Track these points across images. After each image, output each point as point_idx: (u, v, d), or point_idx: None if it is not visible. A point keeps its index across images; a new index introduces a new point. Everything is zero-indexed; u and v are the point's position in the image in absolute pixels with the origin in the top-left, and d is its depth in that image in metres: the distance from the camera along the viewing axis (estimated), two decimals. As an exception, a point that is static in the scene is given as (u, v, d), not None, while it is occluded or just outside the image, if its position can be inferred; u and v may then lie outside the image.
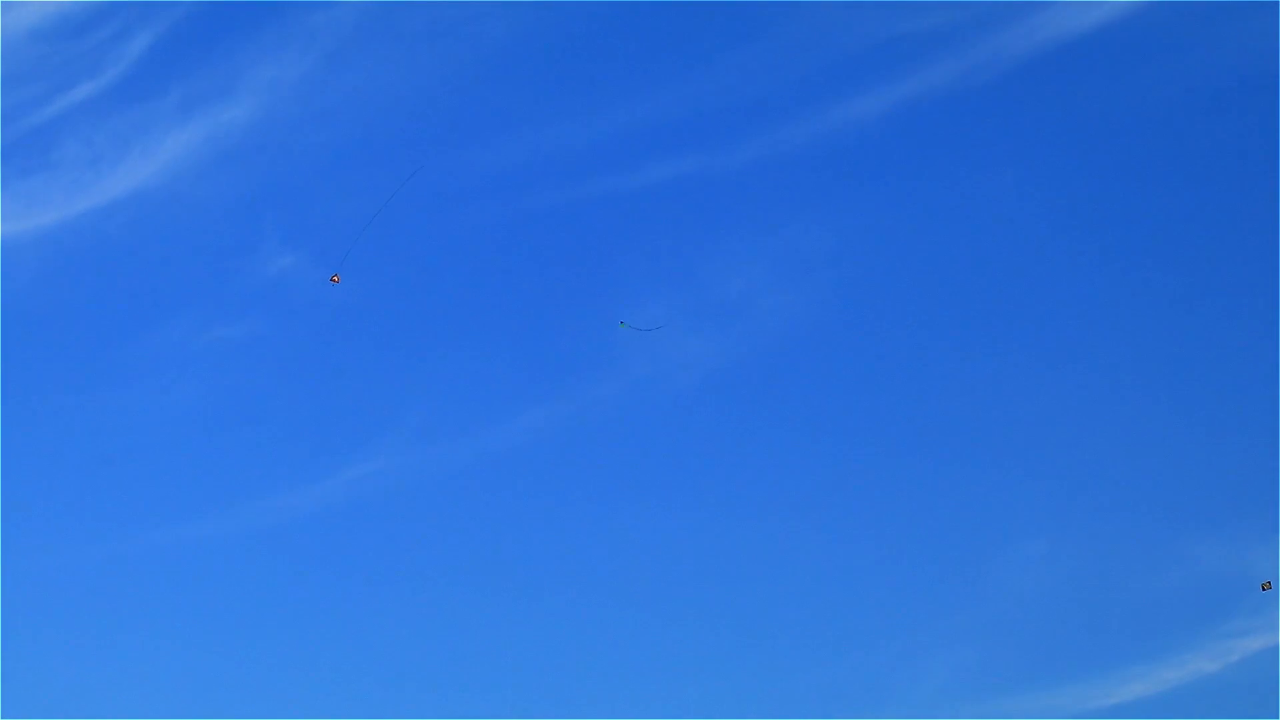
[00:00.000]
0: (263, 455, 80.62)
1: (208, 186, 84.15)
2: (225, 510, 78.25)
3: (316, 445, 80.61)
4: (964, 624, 74.89)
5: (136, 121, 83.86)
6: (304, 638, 76.65)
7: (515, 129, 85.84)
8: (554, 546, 78.90)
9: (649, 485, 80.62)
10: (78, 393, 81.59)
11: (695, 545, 78.38)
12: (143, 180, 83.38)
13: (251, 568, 77.88)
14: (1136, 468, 77.76)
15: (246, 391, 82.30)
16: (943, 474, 79.40)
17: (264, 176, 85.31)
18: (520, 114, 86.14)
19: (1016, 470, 78.69)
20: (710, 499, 79.82)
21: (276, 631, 76.57)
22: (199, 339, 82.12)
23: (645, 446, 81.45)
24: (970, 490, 78.74)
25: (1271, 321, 77.89)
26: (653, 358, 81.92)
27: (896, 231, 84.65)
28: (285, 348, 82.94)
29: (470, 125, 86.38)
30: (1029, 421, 79.64)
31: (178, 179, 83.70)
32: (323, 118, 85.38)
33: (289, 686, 75.18)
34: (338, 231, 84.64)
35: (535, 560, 78.64)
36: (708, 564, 77.89)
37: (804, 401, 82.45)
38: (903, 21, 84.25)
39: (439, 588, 78.07)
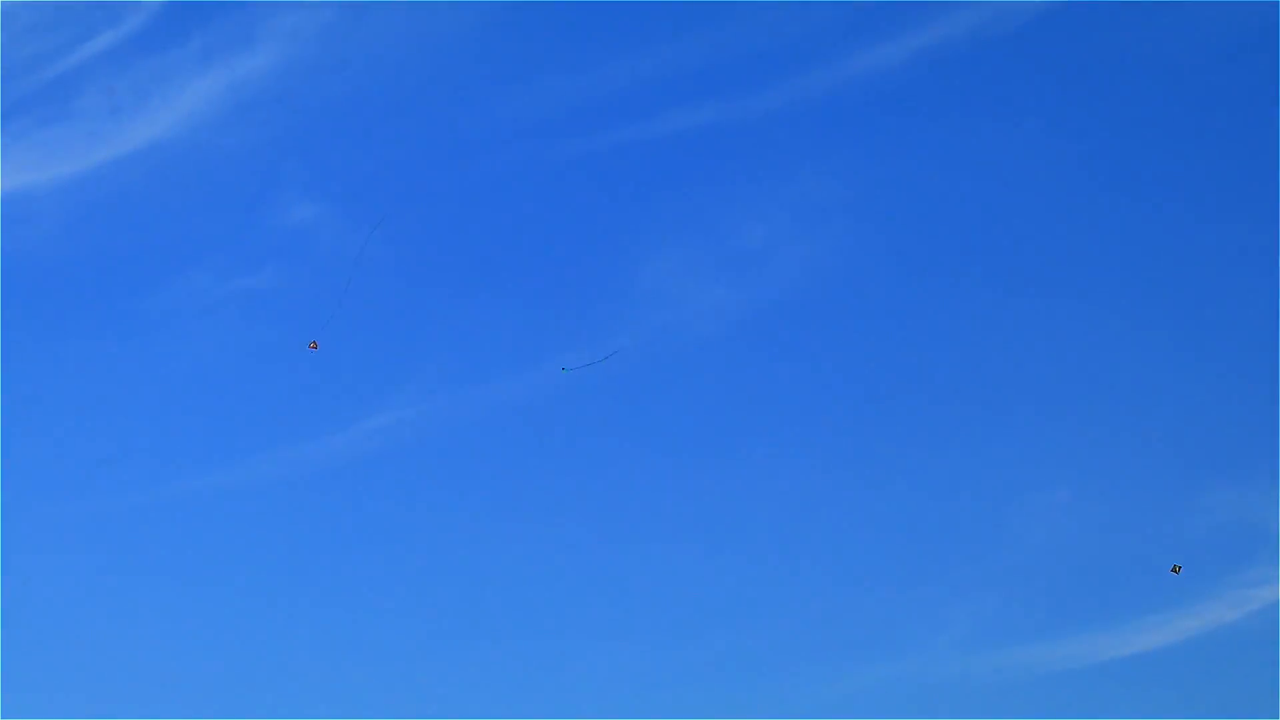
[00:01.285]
0: (283, 405, 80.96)
1: (228, 136, 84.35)
2: (245, 461, 78.59)
3: (336, 395, 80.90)
4: (985, 572, 75.36)
5: (157, 71, 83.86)
6: (323, 588, 77.22)
7: (535, 78, 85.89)
8: (574, 495, 79.37)
9: (669, 434, 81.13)
10: (97, 342, 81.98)
11: (715, 492, 78.87)
12: (163, 130, 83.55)
13: (271, 518, 78.34)
14: (1158, 417, 78.15)
15: (266, 341, 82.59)
16: (962, 423, 79.83)
17: (284, 126, 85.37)
18: (540, 63, 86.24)
19: (1037, 419, 79.09)
20: (730, 447, 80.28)
21: (296, 582, 77.16)
22: (219, 289, 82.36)
23: (665, 395, 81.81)
24: (990, 439, 79.20)
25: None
26: (674, 306, 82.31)
27: (915, 179, 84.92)
28: (305, 298, 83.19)
29: (490, 74, 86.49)
30: (1049, 370, 79.99)
31: (198, 129, 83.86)
32: (343, 67, 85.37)
33: (307, 637, 75.99)
34: (358, 182, 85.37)
35: (556, 509, 79.09)
36: (726, 511, 78.41)
37: (825, 349, 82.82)
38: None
39: (459, 535, 78.67)
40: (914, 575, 75.71)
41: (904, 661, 73.13)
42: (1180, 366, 79.09)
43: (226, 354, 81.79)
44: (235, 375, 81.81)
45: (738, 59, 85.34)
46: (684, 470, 79.77)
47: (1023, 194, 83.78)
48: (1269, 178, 79.90)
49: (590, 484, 79.56)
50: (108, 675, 73.05)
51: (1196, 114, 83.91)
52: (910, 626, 74.16)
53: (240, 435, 79.88)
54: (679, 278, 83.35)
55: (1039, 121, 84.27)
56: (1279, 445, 73.66)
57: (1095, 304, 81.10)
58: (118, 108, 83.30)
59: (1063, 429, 78.23)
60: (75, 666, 73.76)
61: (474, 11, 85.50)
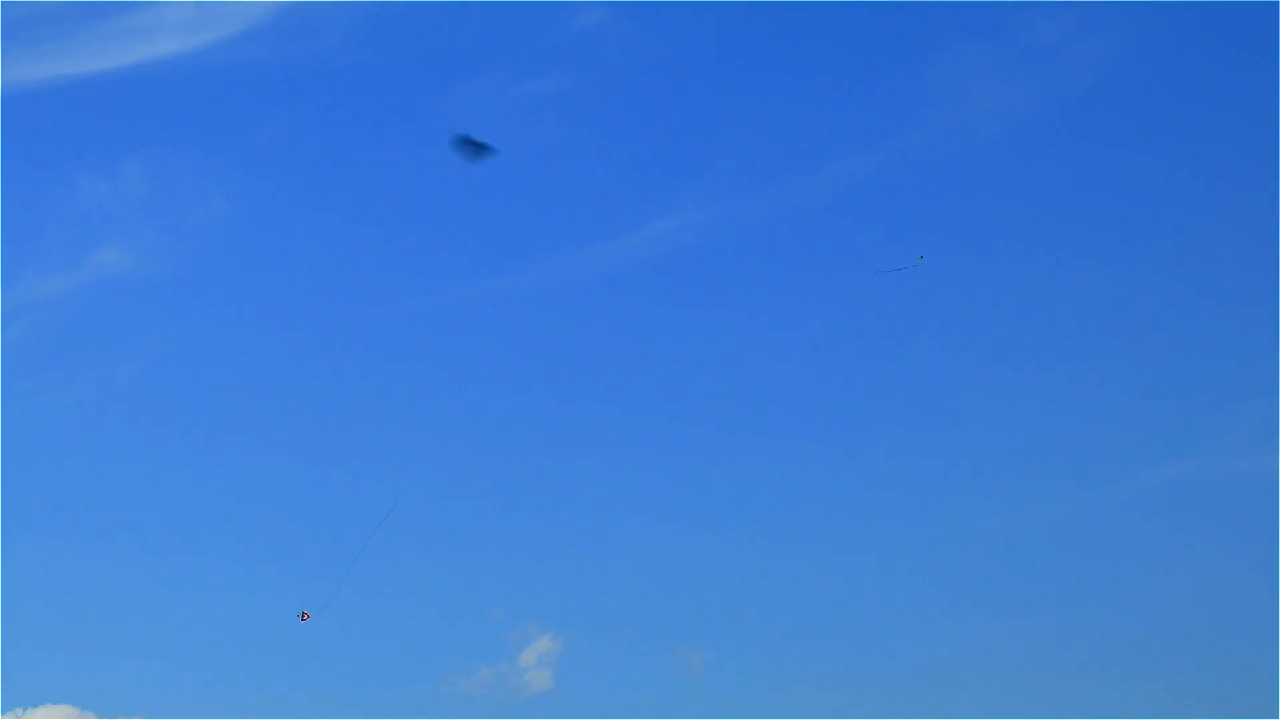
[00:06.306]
0: (571, 209, 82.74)
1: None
2: (535, 264, 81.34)
3: (623, 199, 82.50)
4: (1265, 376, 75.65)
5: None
6: (609, 378, 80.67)
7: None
8: (860, 293, 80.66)
9: (958, 231, 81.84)
10: (392, 148, 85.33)
11: (1004, 292, 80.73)
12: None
13: (562, 320, 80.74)
14: None
15: (553, 145, 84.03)
16: (1243, 223, 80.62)
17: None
18: None
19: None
20: (1022, 245, 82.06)
21: (582, 371, 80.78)
22: (508, 93, 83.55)
23: (954, 193, 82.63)
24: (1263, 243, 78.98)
25: None
26: (962, 107, 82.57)
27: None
28: (592, 102, 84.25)
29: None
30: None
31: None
32: None
33: (604, 423, 79.54)
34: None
35: (839, 309, 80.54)
36: (1010, 317, 79.11)
37: (1117, 149, 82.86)
38: None
39: (741, 334, 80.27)
40: (1199, 379, 77.04)
41: (1196, 460, 73.49)
42: None
43: (517, 156, 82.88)
44: (525, 177, 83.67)
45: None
46: (972, 260, 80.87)
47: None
48: None
49: (875, 278, 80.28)
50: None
51: None
52: (1197, 429, 75.09)
53: (528, 241, 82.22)
54: (968, 78, 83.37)
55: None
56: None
57: None
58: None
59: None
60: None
61: None
